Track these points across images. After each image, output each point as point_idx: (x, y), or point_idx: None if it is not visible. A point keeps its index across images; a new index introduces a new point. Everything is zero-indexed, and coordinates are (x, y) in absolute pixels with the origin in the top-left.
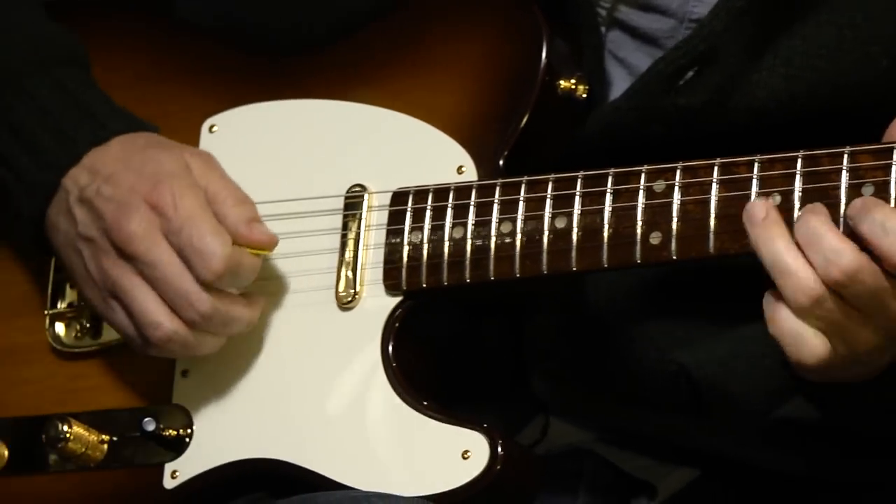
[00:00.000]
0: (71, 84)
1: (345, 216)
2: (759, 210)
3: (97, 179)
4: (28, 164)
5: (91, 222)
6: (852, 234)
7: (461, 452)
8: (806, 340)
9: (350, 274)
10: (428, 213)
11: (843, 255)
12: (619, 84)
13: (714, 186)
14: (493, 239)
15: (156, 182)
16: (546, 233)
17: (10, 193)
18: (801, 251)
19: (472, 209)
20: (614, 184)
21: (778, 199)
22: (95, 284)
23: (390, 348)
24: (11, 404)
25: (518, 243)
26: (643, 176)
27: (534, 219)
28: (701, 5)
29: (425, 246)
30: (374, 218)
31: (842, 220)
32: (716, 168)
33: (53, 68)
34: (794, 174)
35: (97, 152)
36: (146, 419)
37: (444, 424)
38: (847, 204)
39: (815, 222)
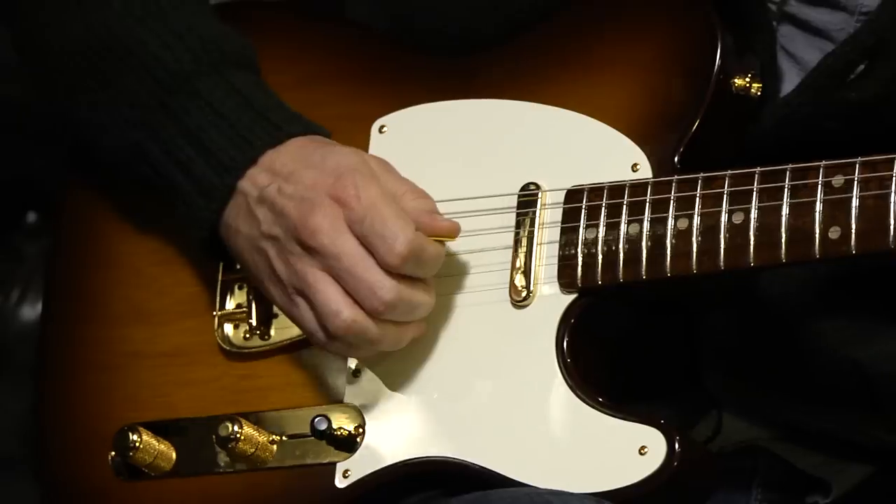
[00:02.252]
0: (244, 87)
1: (518, 214)
2: None
3: (277, 179)
4: (203, 167)
5: (274, 220)
6: None
7: (638, 448)
8: None
9: (524, 272)
10: (603, 211)
11: None
12: (791, 79)
13: (894, 181)
14: (670, 236)
15: (338, 175)
16: (723, 229)
17: (185, 195)
18: None
19: (647, 206)
20: (791, 179)
21: None
22: (280, 282)
23: (565, 345)
24: (180, 405)
25: (695, 239)
26: (821, 171)
27: (711, 215)
28: None
29: (600, 243)
30: (547, 216)
31: None
32: None
33: (226, 71)
34: None
35: (273, 153)
36: (318, 418)
37: (620, 420)
38: None
39: None
